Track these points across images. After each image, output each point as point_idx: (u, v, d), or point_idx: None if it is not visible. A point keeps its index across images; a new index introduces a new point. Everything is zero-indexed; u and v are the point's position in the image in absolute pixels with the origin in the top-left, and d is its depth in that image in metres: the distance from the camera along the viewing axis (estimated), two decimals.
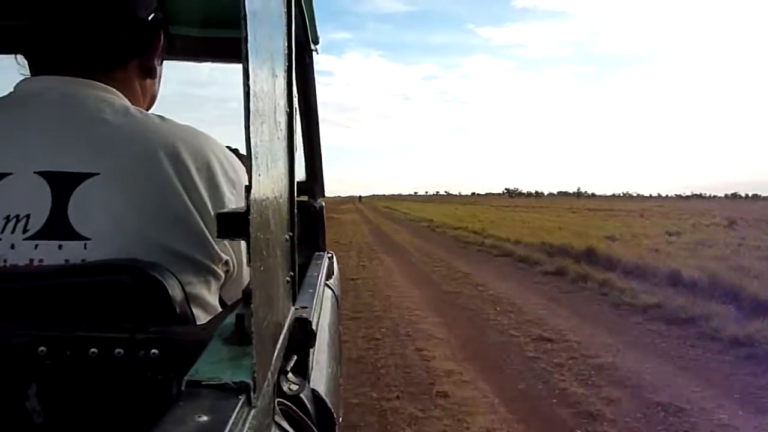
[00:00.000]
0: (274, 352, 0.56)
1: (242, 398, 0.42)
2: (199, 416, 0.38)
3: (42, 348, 0.59)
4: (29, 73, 0.85)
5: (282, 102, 0.67)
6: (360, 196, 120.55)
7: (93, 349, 0.59)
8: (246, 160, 0.43)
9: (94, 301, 0.64)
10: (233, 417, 0.39)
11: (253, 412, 0.43)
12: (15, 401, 0.60)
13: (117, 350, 0.59)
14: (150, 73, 0.90)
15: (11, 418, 0.60)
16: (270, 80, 0.55)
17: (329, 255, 1.89)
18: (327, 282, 1.57)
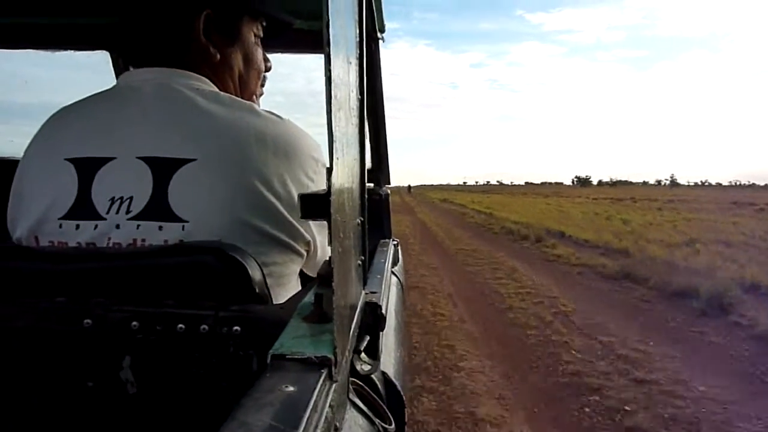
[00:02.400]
0: (350, 329, 0.58)
1: (324, 372, 0.43)
2: (286, 386, 0.40)
3: (135, 323, 0.64)
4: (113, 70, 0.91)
5: (355, 89, 0.68)
6: (409, 186, 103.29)
7: (180, 325, 0.63)
8: (328, 143, 0.45)
9: (181, 281, 0.68)
10: (317, 388, 0.40)
11: (334, 386, 0.44)
12: (111, 372, 0.65)
13: (202, 326, 0.63)
14: (208, 56, 0.89)
15: (108, 387, 0.65)
16: (345, 67, 0.57)
17: (395, 242, 1.91)
18: (392, 270, 1.59)
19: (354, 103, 0.68)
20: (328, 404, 0.41)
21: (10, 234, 0.86)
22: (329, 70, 0.43)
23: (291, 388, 0.40)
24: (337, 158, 0.49)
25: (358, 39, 0.72)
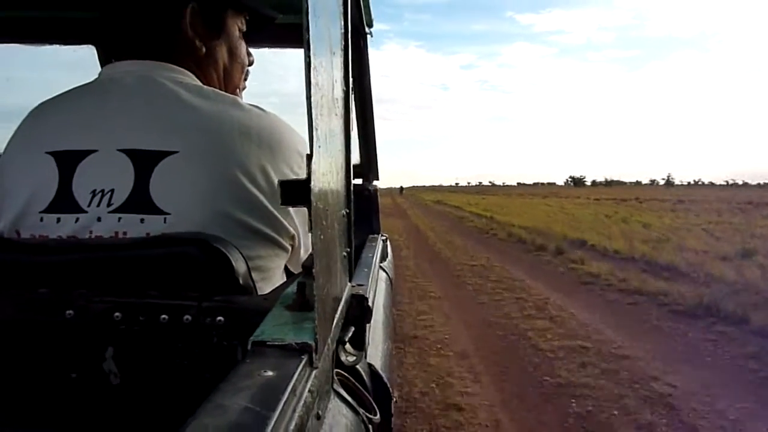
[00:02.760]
0: (333, 319, 0.58)
1: (304, 358, 0.43)
2: (265, 371, 0.40)
3: (117, 314, 0.64)
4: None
5: (339, 81, 0.68)
6: (401, 188, 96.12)
7: (164, 316, 0.63)
8: (308, 130, 0.45)
9: (164, 272, 0.68)
10: (296, 374, 0.40)
11: (315, 372, 0.44)
12: (94, 363, 0.64)
13: (185, 317, 0.63)
14: (193, 49, 0.89)
15: (91, 378, 0.65)
16: (327, 57, 0.57)
17: (383, 238, 1.91)
18: (381, 264, 1.59)
19: (338, 94, 0.68)
20: (307, 389, 0.41)
21: None
22: (308, 56, 0.43)
23: (270, 373, 0.40)
24: (318, 146, 0.49)
25: (342, 30, 0.72)
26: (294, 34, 1.49)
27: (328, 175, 0.56)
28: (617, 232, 11.49)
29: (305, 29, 0.42)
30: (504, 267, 7.95)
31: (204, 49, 0.90)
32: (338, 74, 0.68)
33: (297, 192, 0.46)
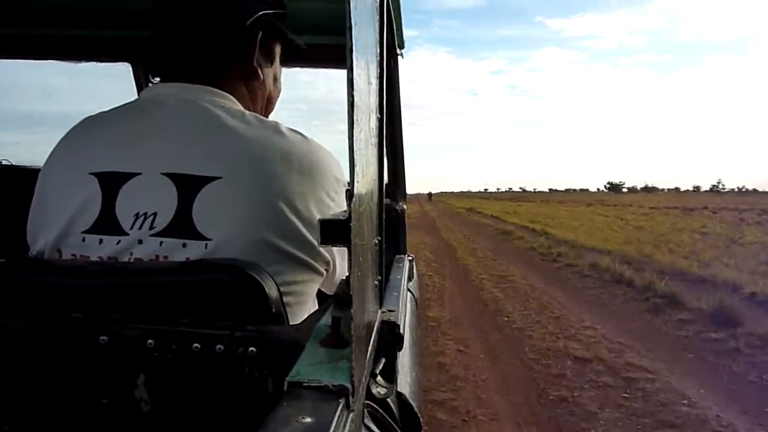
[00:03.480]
0: (367, 353, 0.57)
1: (342, 401, 0.43)
2: (303, 417, 0.39)
3: (150, 341, 0.63)
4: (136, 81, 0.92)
5: (375, 109, 0.68)
6: (430, 194, 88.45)
7: (196, 344, 0.62)
8: (349, 168, 0.44)
9: (196, 298, 0.68)
10: (335, 420, 0.40)
11: (351, 415, 0.44)
12: (125, 390, 0.64)
13: (218, 346, 0.62)
14: (251, 76, 0.93)
15: (122, 405, 0.65)
16: (366, 88, 0.56)
17: (410, 258, 1.90)
18: (407, 285, 1.58)
19: (374, 123, 0.67)
20: None
21: (29, 246, 0.87)
22: (351, 95, 0.43)
23: (308, 419, 0.39)
24: (358, 182, 0.48)
25: (378, 57, 0.72)
26: (334, 54, 1.51)
27: (366, 209, 0.56)
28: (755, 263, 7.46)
29: (349, 68, 0.42)
30: (659, 372, 3.78)
31: (262, 77, 0.93)
32: (374, 102, 0.67)
33: (337, 231, 0.45)
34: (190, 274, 0.68)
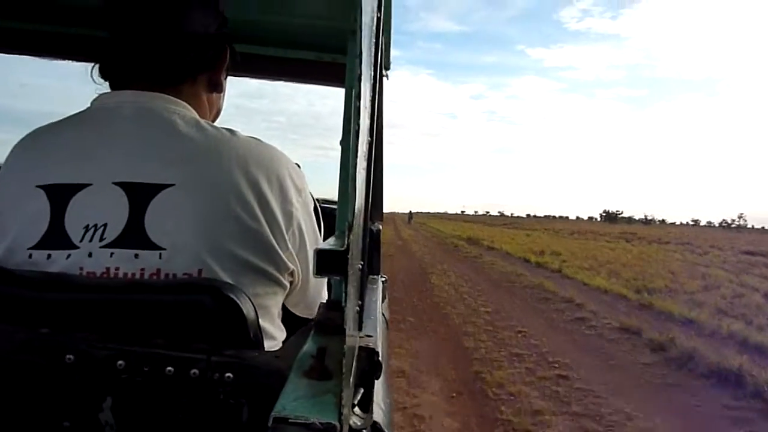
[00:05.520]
0: (351, 386, 0.55)
1: None
2: None
3: (121, 362, 0.60)
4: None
5: (365, 134, 0.67)
6: (410, 213, 74.85)
7: (169, 368, 0.60)
8: (350, 198, 0.43)
9: (173, 319, 0.65)
10: None
11: None
12: (90, 412, 0.61)
13: (193, 371, 0.59)
14: (216, 87, 0.93)
15: (85, 428, 0.61)
16: (366, 118, 0.55)
17: (383, 279, 1.88)
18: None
19: (364, 147, 0.66)
20: None
21: None
22: (357, 124, 0.42)
23: None
24: (354, 213, 0.47)
25: (372, 81, 0.71)
26: (330, 72, 1.50)
27: (355, 235, 0.54)
28: None
29: (356, 102, 0.41)
30: None
31: (224, 88, 0.93)
32: (365, 127, 0.66)
33: (334, 262, 0.44)
34: (168, 294, 0.66)
